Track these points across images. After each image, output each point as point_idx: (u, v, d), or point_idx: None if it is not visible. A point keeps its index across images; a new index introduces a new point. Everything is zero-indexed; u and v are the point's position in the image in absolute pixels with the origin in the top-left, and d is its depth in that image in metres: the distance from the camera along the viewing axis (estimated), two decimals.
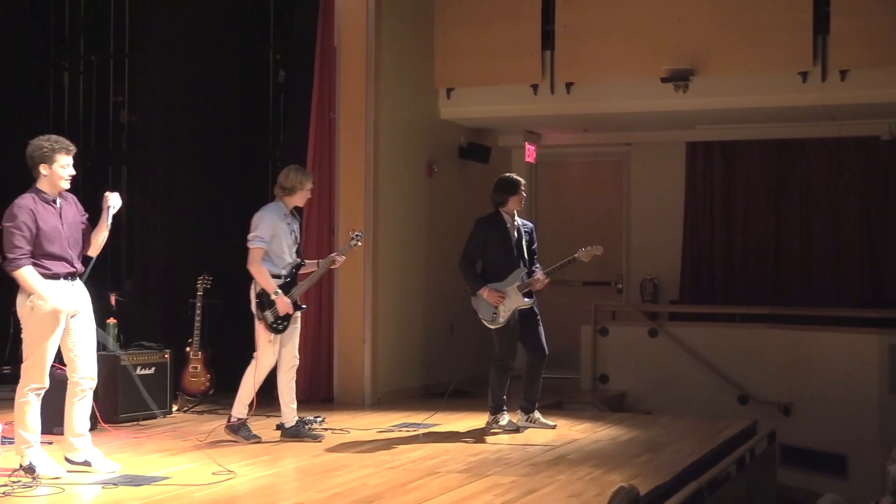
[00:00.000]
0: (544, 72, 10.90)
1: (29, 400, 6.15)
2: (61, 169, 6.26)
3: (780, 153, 12.35)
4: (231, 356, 8.99)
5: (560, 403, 10.50)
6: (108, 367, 8.48)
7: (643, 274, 12.63)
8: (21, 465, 6.13)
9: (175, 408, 9.23)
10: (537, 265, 8.26)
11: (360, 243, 7.85)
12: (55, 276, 6.16)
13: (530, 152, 12.53)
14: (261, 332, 7.56)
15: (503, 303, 8.03)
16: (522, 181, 8.30)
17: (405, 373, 10.57)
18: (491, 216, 8.24)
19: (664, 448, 7.59)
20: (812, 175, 12.26)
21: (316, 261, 7.89)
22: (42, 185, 6.25)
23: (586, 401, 10.80)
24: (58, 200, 6.27)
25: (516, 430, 8.17)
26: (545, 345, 8.26)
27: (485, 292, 8.03)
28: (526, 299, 8.11)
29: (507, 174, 8.41)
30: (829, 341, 10.52)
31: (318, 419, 8.30)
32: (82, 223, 6.41)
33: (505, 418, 8.23)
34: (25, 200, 6.16)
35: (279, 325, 7.55)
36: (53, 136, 6.34)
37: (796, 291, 12.15)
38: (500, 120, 11.73)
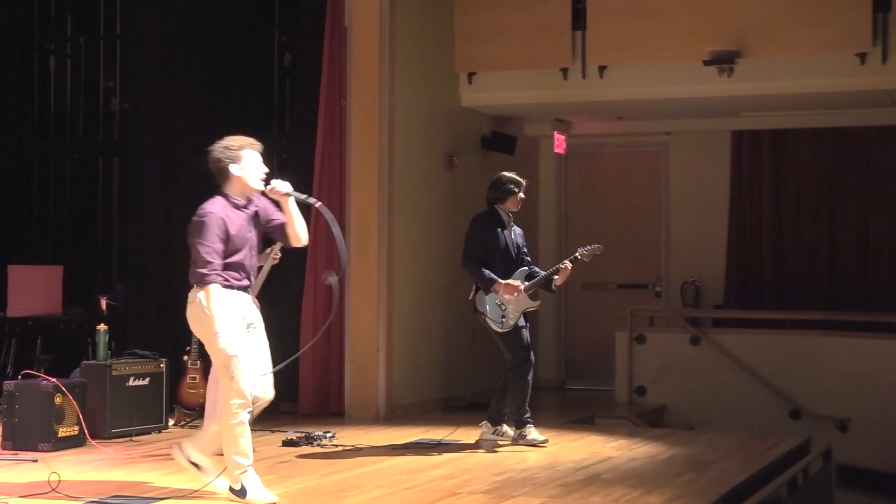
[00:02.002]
0: (575, 54, 10.88)
1: (242, 420, 6.05)
2: (254, 165, 6.17)
3: (835, 142, 12.30)
4: None
5: (592, 418, 10.51)
6: (98, 378, 8.51)
7: (684, 276, 12.61)
8: (231, 488, 6.11)
9: (171, 422, 9.24)
10: (528, 259, 8.44)
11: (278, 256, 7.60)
12: (235, 288, 6.13)
13: (560, 142, 12.52)
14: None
15: (514, 301, 8.15)
16: (524, 182, 8.38)
17: (423, 384, 10.57)
18: (488, 213, 8.38)
19: (708, 467, 7.57)
20: (871, 167, 12.21)
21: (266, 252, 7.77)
22: (231, 188, 6.20)
23: (621, 415, 10.81)
24: (248, 206, 6.22)
25: (544, 442, 8.23)
26: (531, 350, 8.38)
27: (500, 287, 8.11)
28: (533, 301, 8.26)
29: (508, 173, 8.47)
30: (890, 350, 10.48)
31: (328, 435, 8.31)
32: (272, 223, 6.32)
33: (532, 431, 8.28)
34: (215, 206, 6.11)
35: None
36: (235, 136, 6.24)
37: (853, 295, 12.11)
38: (526, 107, 11.72)
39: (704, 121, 12.42)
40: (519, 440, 8.26)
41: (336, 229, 6.41)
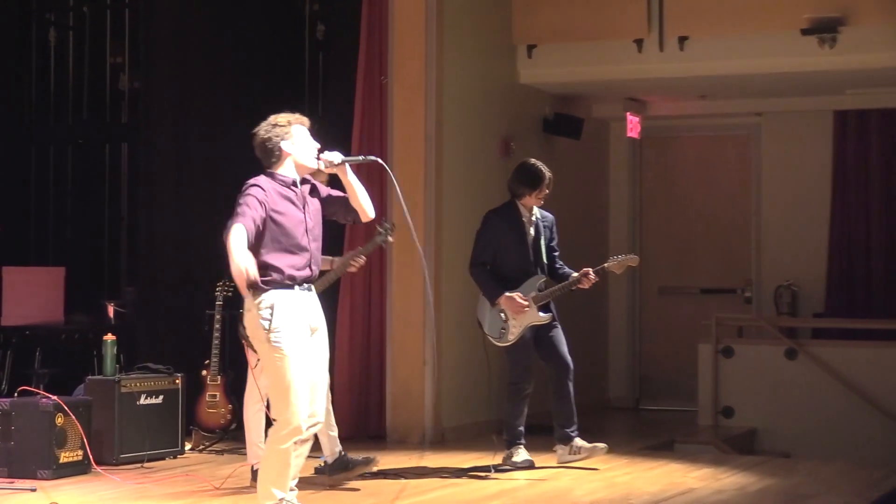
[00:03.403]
0: (651, 23, 10.84)
1: (288, 448, 6.06)
2: (305, 140, 6.30)
3: None
4: None
5: (671, 443, 10.48)
6: (105, 396, 8.56)
7: (778, 279, 12.53)
8: None
9: (188, 446, 9.29)
10: (561, 263, 8.51)
11: (390, 238, 7.87)
12: (289, 283, 6.12)
13: (633, 125, 12.48)
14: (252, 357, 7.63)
15: (518, 317, 8.26)
16: (549, 175, 8.40)
17: (476, 403, 10.55)
18: (505, 208, 8.51)
19: (807, 501, 7.53)
20: None
21: (330, 258, 7.89)
22: (283, 168, 6.25)
23: (705, 440, 10.78)
24: (299, 185, 6.27)
25: (530, 466, 8.45)
26: (567, 354, 8.47)
27: (503, 300, 8.26)
28: (542, 314, 8.35)
29: (531, 162, 8.54)
30: None
31: (368, 461, 8.30)
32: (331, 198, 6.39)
33: (521, 454, 8.49)
34: (259, 181, 6.16)
35: None
36: (280, 114, 6.35)
37: None
38: (594, 84, 11.69)
39: (802, 99, 12.33)
40: (507, 461, 8.48)
41: (398, 189, 6.60)
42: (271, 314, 6.01)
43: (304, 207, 6.23)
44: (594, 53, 11.12)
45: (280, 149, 6.27)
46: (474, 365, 10.52)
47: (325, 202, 6.39)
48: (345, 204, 6.40)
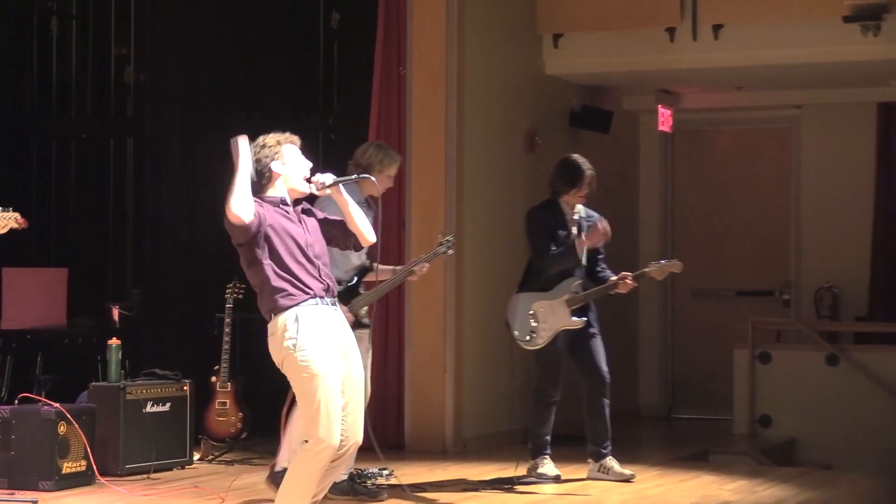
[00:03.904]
0: (684, 11, 10.83)
1: (317, 469, 6.02)
2: (296, 160, 6.26)
3: None
4: (269, 388, 9.01)
5: (706, 454, 10.47)
6: (110, 403, 8.58)
7: (818, 280, 12.53)
8: None
9: (197, 456, 9.30)
10: (603, 266, 8.47)
11: (451, 251, 7.90)
12: (308, 292, 6.07)
13: (665, 118, 12.48)
14: None
15: (551, 316, 8.27)
16: (590, 171, 8.36)
17: (499, 411, 10.54)
18: (545, 206, 8.49)
19: None
20: None
21: (392, 267, 7.94)
22: (275, 190, 6.22)
23: (741, 450, 10.78)
24: (290, 203, 6.24)
25: (556, 479, 8.42)
26: (604, 366, 8.45)
27: (580, 242, 8.19)
28: (575, 318, 8.31)
29: (572, 157, 8.51)
30: None
31: (384, 472, 8.32)
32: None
33: (547, 465, 8.47)
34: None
35: None
36: (272, 134, 6.33)
37: None
38: (624, 75, 11.69)
39: (844, 91, 12.31)
40: (532, 472, 8.48)
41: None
42: (297, 331, 5.98)
43: (300, 223, 6.21)
44: (624, 42, 11.11)
45: (270, 170, 6.22)
46: (497, 371, 10.52)
47: (322, 223, 6.34)
48: (342, 227, 6.34)
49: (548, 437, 8.54)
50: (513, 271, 10.76)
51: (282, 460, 7.71)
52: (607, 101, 12.28)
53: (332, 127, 11.24)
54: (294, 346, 5.93)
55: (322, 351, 5.97)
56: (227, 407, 9.52)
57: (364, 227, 6.28)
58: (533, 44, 11.25)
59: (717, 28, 10.79)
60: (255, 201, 6.08)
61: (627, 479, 8.42)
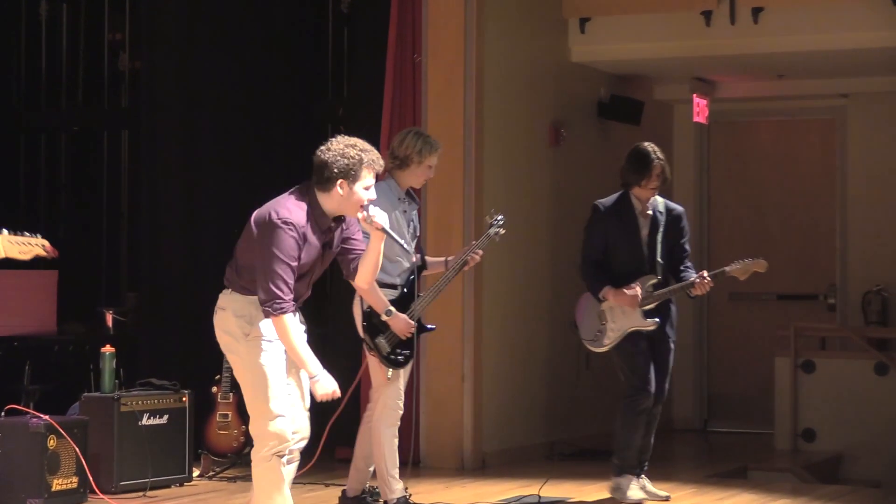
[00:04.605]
0: None
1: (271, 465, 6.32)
2: (364, 191, 6.20)
3: None
4: None
5: (744, 470, 10.48)
6: (103, 415, 8.59)
7: (866, 284, 12.53)
8: None
9: (196, 472, 9.32)
10: (687, 265, 8.40)
11: (502, 231, 7.86)
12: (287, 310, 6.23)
13: (700, 108, 12.47)
14: (375, 369, 7.67)
15: (621, 316, 8.23)
16: (659, 160, 8.31)
17: (522, 424, 10.55)
18: (615, 199, 8.46)
19: None
20: None
21: (443, 259, 7.91)
22: (325, 201, 6.20)
23: (783, 466, 10.77)
24: (332, 228, 6.28)
25: (666, 499, 8.40)
26: (666, 385, 8.42)
27: (609, 294, 8.20)
28: (647, 319, 8.26)
29: (642, 146, 8.48)
30: None
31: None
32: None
33: (632, 486, 8.33)
34: (299, 216, 6.12)
35: (399, 355, 7.69)
36: (356, 140, 6.26)
37: None
38: (656, 63, 11.71)
39: (893, 79, 12.28)
40: (615, 493, 8.34)
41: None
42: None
43: (323, 244, 6.22)
44: (656, 27, 11.10)
45: (336, 182, 6.15)
46: (520, 380, 10.54)
47: (343, 243, 6.35)
48: (354, 258, 6.37)
49: (639, 454, 8.38)
50: (536, 275, 10.81)
51: (384, 496, 7.80)
52: (638, 91, 12.27)
53: (342, 118, 11.24)
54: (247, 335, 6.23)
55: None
56: (229, 419, 9.53)
57: (374, 273, 6.39)
58: (558, 29, 11.25)
59: (756, 11, 10.77)
60: (296, 224, 6.06)
61: (664, 500, 8.39)
